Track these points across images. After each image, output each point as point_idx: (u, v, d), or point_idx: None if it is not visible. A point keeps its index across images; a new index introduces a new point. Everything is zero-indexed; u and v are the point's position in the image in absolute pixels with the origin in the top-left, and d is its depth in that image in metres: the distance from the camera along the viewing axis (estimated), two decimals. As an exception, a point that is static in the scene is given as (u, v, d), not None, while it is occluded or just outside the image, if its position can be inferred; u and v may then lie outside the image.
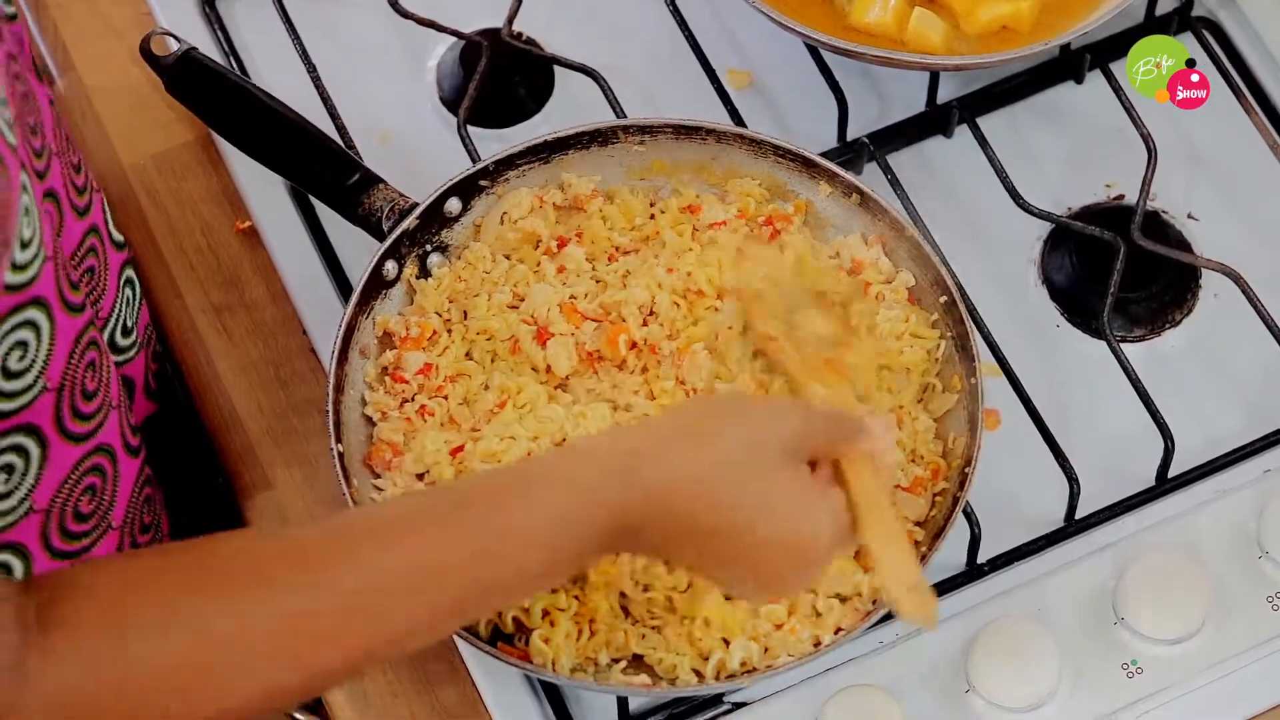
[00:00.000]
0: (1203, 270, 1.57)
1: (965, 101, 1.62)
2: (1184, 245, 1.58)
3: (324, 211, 1.51)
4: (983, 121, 1.61)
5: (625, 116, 1.57)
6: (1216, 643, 1.42)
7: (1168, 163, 1.59)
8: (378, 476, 1.43)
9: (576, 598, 1.37)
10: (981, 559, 1.46)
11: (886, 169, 1.58)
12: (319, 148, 1.48)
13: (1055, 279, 1.57)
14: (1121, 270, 1.51)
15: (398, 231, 1.47)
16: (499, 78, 1.64)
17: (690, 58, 1.63)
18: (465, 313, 1.48)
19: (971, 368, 1.43)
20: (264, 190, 1.58)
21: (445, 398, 1.45)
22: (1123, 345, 1.51)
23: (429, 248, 1.50)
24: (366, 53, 1.66)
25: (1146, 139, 1.56)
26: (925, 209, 1.55)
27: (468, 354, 1.47)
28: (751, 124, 1.59)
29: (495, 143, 1.59)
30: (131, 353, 1.42)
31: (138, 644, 1.07)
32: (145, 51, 1.52)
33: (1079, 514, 1.47)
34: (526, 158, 1.51)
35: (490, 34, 1.62)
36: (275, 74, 1.65)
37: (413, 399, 1.45)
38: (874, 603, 1.38)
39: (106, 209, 1.38)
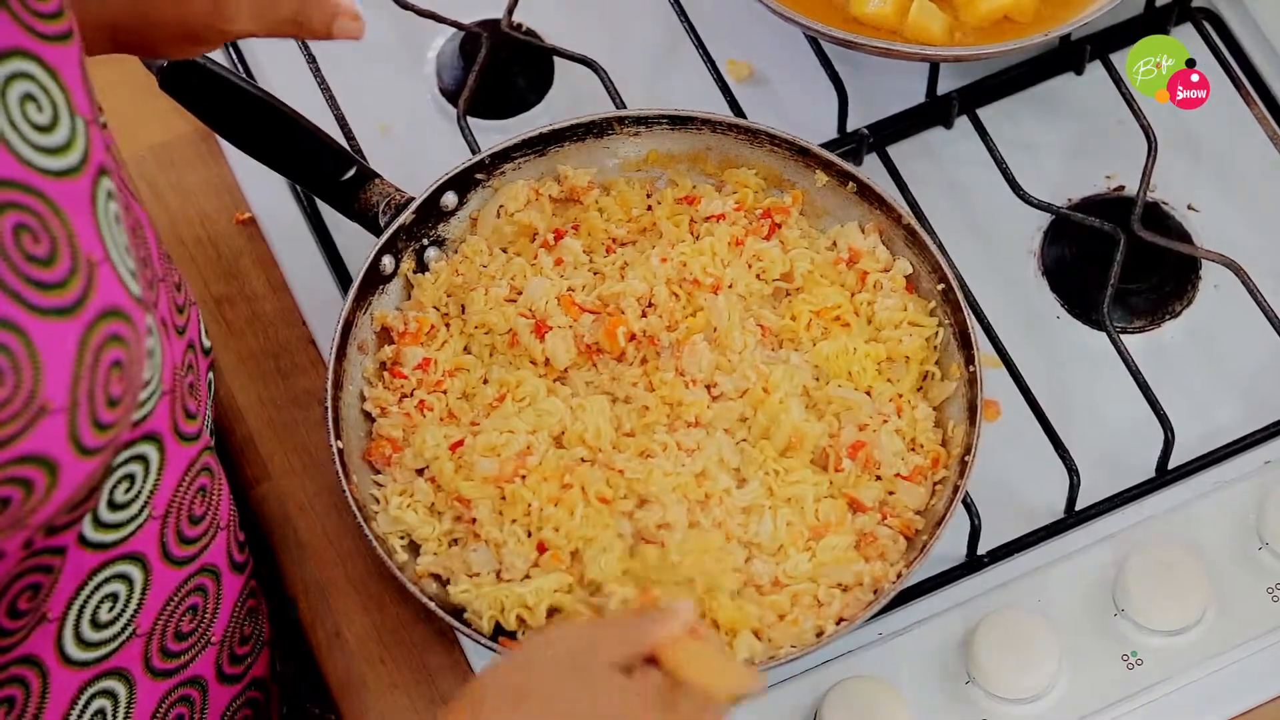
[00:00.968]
0: (1203, 261, 1.57)
1: (965, 92, 1.62)
2: (1184, 236, 1.58)
3: (323, 203, 1.50)
4: (983, 112, 1.61)
5: (625, 107, 1.57)
6: (1216, 634, 1.42)
7: (1168, 154, 1.58)
8: (377, 472, 1.43)
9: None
10: (981, 550, 1.46)
11: (886, 160, 1.58)
12: (314, 143, 1.47)
13: (1055, 270, 1.57)
14: (1122, 261, 1.51)
15: (394, 227, 1.47)
16: (499, 69, 1.64)
17: (690, 49, 1.63)
18: (463, 307, 1.48)
19: (970, 355, 1.43)
20: (263, 182, 1.58)
21: (444, 392, 1.45)
22: (1123, 336, 1.51)
23: (425, 242, 1.50)
24: (366, 44, 1.65)
25: (1147, 130, 1.56)
26: (925, 200, 1.55)
27: (466, 348, 1.47)
28: (752, 115, 1.59)
29: (495, 134, 1.59)
30: (212, 447, 1.42)
31: None
32: None
33: (1079, 505, 1.47)
34: (522, 150, 1.51)
35: (490, 25, 1.62)
36: (275, 65, 1.64)
37: (411, 394, 1.45)
38: (875, 592, 1.38)
39: (200, 316, 1.37)
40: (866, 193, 1.49)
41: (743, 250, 1.48)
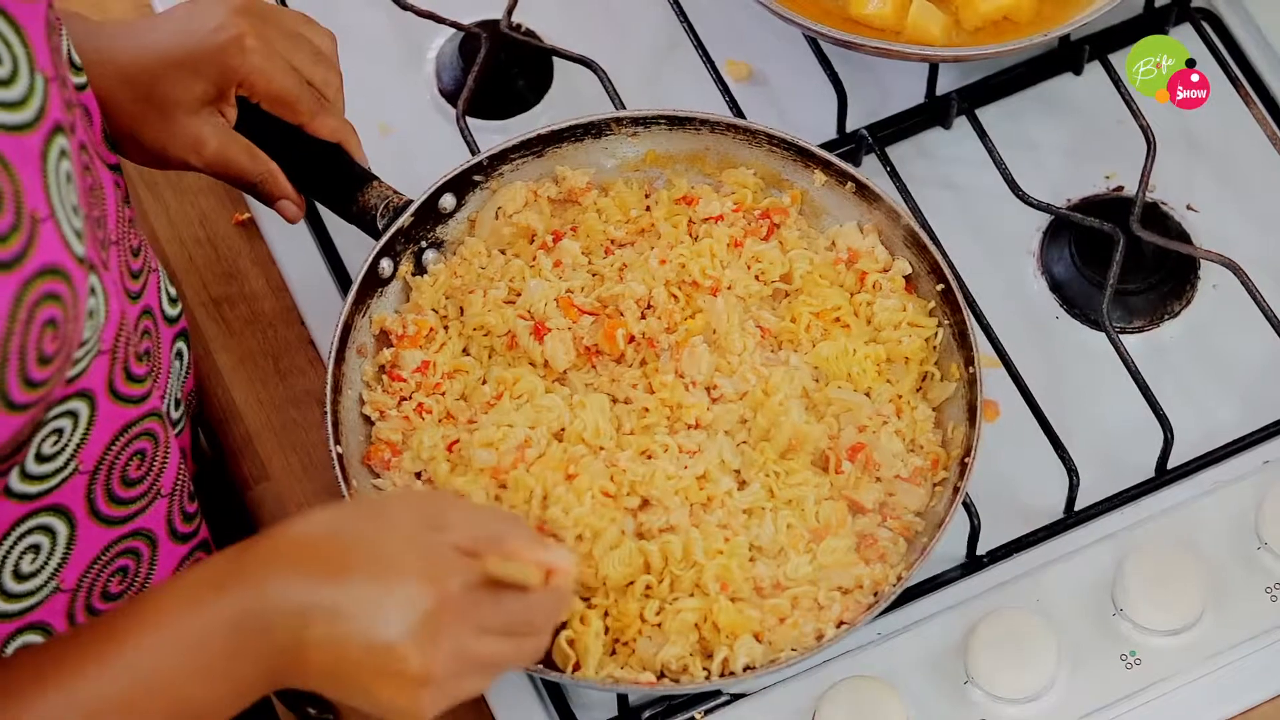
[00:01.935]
0: (1202, 261, 1.57)
1: (964, 93, 1.62)
2: (1183, 236, 1.58)
3: (321, 206, 1.51)
4: (982, 113, 1.61)
5: (624, 108, 1.57)
6: (1215, 634, 1.42)
7: (1167, 154, 1.58)
8: (377, 476, 1.43)
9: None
10: (981, 550, 1.46)
11: (885, 160, 1.58)
12: (312, 146, 1.47)
13: (1054, 270, 1.57)
14: (1121, 261, 1.51)
15: (392, 230, 1.47)
16: (498, 69, 1.64)
17: (689, 49, 1.63)
18: (461, 309, 1.48)
19: (970, 356, 1.43)
20: (263, 182, 1.59)
21: (442, 394, 1.45)
22: (1122, 336, 1.51)
23: (424, 244, 1.49)
24: (366, 44, 1.66)
25: (1146, 130, 1.56)
26: (924, 200, 1.56)
27: (465, 350, 1.47)
28: (751, 115, 1.59)
29: (494, 134, 1.59)
30: (180, 425, 1.41)
31: None
32: None
33: (1078, 505, 1.47)
34: (520, 152, 1.51)
35: (489, 25, 1.62)
36: (274, 66, 1.64)
37: (410, 397, 1.45)
38: (875, 595, 1.38)
39: (164, 283, 1.37)
40: (865, 192, 1.49)
41: (741, 251, 1.48)
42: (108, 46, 1.39)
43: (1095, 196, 1.60)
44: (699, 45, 1.62)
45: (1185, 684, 1.42)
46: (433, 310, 1.48)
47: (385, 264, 1.48)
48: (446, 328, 1.48)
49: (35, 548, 1.22)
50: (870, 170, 1.53)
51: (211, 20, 1.41)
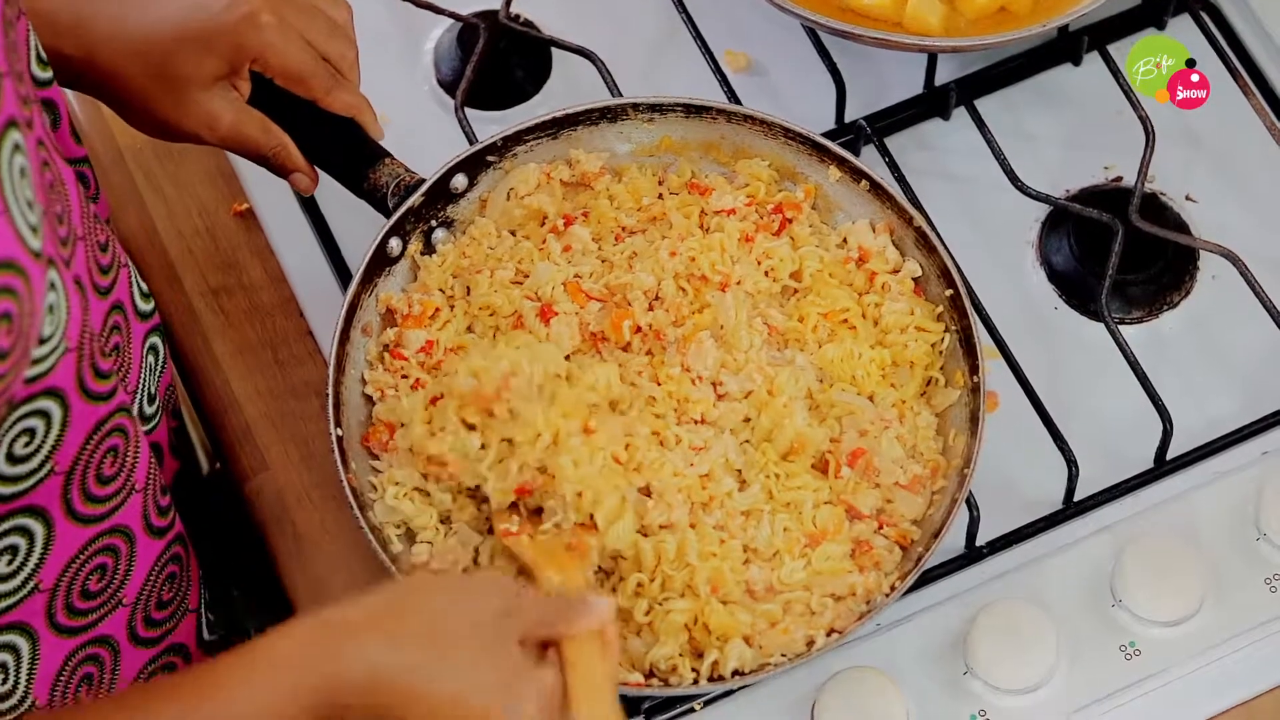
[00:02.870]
0: (1201, 252, 1.57)
1: (963, 83, 1.62)
2: (1182, 227, 1.58)
3: (322, 193, 1.50)
4: (980, 103, 1.61)
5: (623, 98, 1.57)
6: (1214, 624, 1.42)
7: (1166, 145, 1.58)
8: (375, 458, 1.43)
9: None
10: (980, 541, 1.46)
11: (884, 151, 1.58)
12: (325, 120, 1.46)
13: (1053, 261, 1.57)
14: (1119, 252, 1.51)
15: (403, 209, 1.46)
16: (496, 60, 1.63)
17: (688, 39, 1.63)
18: (468, 289, 1.47)
19: (975, 364, 1.43)
20: (261, 173, 1.57)
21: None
22: (1121, 327, 1.51)
23: (434, 223, 1.49)
24: (364, 35, 1.65)
25: (1144, 121, 1.56)
26: (923, 191, 1.55)
27: (469, 329, 1.47)
28: (749, 105, 1.58)
29: (493, 125, 1.59)
30: (156, 420, 1.41)
31: None
32: None
33: (1077, 496, 1.47)
34: (534, 133, 1.51)
35: (488, 16, 1.62)
36: (272, 56, 1.64)
37: (409, 375, 1.44)
38: (868, 604, 1.37)
39: (135, 278, 1.37)
40: (879, 191, 1.49)
41: (752, 247, 1.47)
42: (119, 20, 1.38)
43: (1094, 187, 1.60)
44: (697, 35, 1.62)
45: (1184, 675, 1.42)
46: (440, 290, 1.47)
47: (394, 243, 1.47)
48: (452, 307, 1.47)
49: (13, 549, 1.21)
50: (869, 161, 1.53)
51: None
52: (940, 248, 1.46)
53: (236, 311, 1.57)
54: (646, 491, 1.38)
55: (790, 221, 1.49)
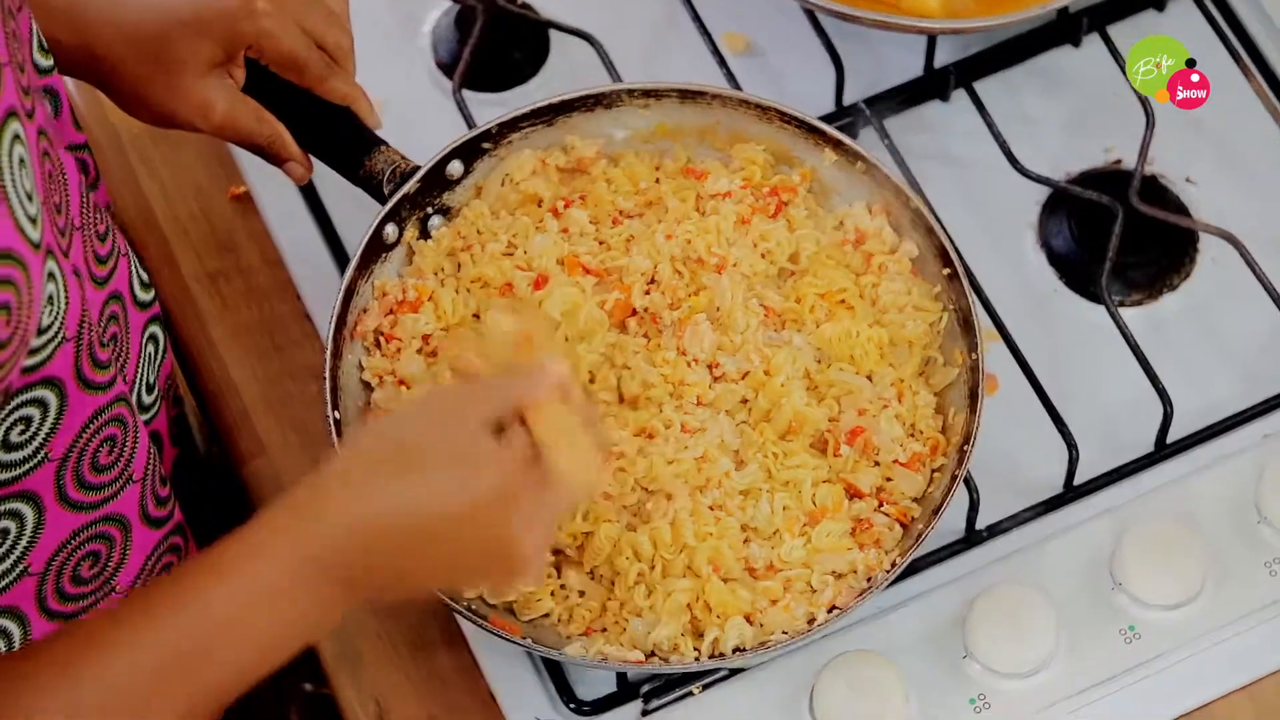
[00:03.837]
0: (1201, 235, 1.56)
1: (962, 65, 1.62)
2: (1182, 210, 1.58)
3: (318, 177, 1.50)
4: (980, 86, 1.61)
5: (621, 80, 1.57)
6: (1214, 609, 1.42)
7: (1166, 127, 1.58)
8: (374, 443, 1.42)
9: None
10: (980, 525, 1.46)
11: (883, 134, 1.57)
12: (321, 109, 1.46)
13: (1053, 244, 1.57)
14: (1120, 235, 1.51)
15: (398, 195, 1.46)
16: (494, 42, 1.63)
17: (687, 21, 1.62)
18: (459, 265, 1.47)
19: (973, 343, 1.42)
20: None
21: (434, 355, 1.44)
22: (1121, 310, 1.50)
23: (430, 210, 1.49)
24: (361, 17, 1.64)
25: (1145, 103, 1.55)
26: (922, 174, 1.55)
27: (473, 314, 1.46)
28: (748, 88, 1.58)
29: (491, 107, 1.59)
30: (155, 409, 1.40)
31: None
32: None
33: (1077, 480, 1.47)
34: (530, 120, 1.50)
35: (486, -2, 1.62)
36: (269, 38, 1.64)
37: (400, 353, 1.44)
38: (869, 581, 1.37)
39: (135, 268, 1.36)
40: (875, 173, 1.48)
41: (748, 229, 1.47)
42: (115, 6, 1.37)
43: (1094, 169, 1.60)
44: (696, 18, 1.62)
45: (1184, 659, 1.42)
46: (434, 274, 1.47)
47: (390, 229, 1.47)
48: (443, 284, 1.47)
49: (3, 532, 1.21)
50: (868, 143, 1.53)
51: None
52: (937, 228, 1.46)
53: (234, 295, 1.57)
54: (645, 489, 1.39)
55: (786, 204, 1.49)
